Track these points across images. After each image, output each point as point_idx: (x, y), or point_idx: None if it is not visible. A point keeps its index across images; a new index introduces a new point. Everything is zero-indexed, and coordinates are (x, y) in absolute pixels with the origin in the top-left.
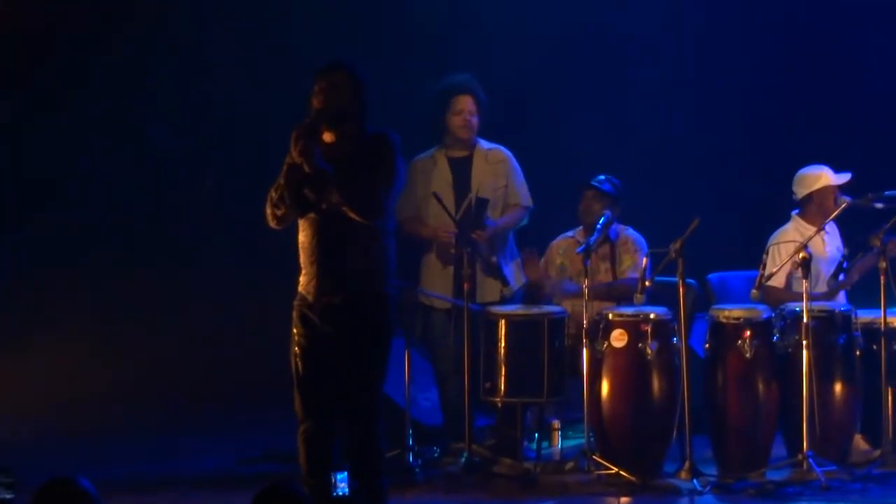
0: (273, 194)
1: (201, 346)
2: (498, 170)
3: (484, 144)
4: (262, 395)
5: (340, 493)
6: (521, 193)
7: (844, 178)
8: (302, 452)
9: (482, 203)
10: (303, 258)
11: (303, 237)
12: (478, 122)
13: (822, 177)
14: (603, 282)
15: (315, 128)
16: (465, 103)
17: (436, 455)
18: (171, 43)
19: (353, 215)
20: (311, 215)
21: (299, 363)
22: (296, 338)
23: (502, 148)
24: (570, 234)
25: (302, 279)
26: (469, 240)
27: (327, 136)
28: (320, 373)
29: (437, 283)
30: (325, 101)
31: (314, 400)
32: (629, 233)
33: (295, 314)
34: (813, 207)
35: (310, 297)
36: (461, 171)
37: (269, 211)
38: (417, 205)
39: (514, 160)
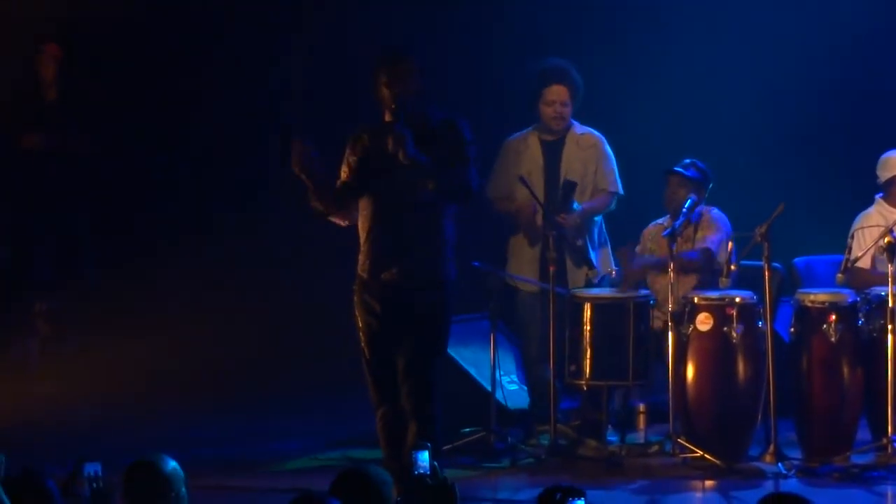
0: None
1: (290, 326)
2: (588, 154)
3: (577, 128)
4: (351, 375)
5: (422, 472)
6: (610, 179)
7: None
8: (382, 436)
9: (570, 186)
10: (360, 235)
11: (361, 217)
12: (571, 109)
13: (890, 166)
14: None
15: (397, 117)
16: (558, 94)
17: (520, 437)
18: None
19: (447, 199)
20: (373, 199)
21: (366, 350)
22: (359, 324)
23: (595, 132)
24: (660, 220)
25: (359, 258)
26: (555, 223)
27: None
28: (387, 357)
29: (524, 266)
30: (396, 93)
31: (385, 384)
32: (712, 212)
33: (356, 299)
34: (887, 191)
35: (365, 276)
36: (552, 154)
37: (321, 206)
38: (509, 184)
39: (605, 145)
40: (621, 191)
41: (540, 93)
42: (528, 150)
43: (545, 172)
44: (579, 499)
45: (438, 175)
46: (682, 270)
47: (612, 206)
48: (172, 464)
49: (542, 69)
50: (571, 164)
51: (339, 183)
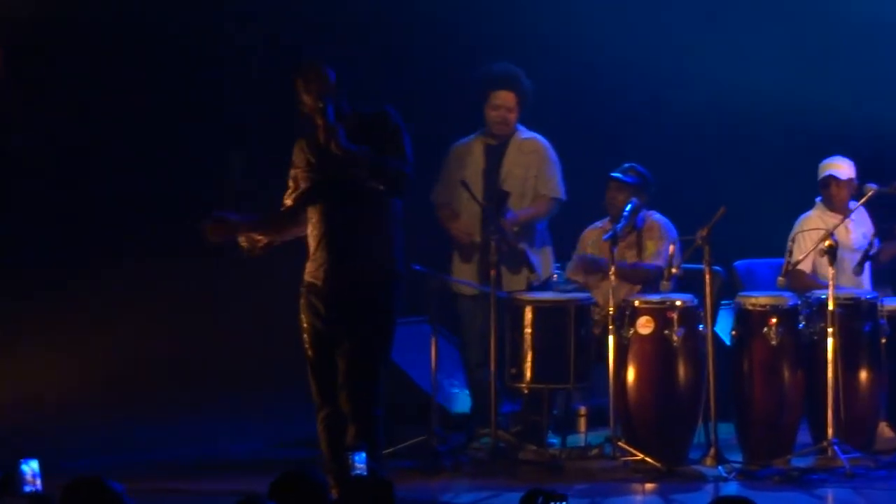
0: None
1: (232, 329)
2: (530, 160)
3: (522, 133)
4: (295, 378)
5: (358, 474)
6: (551, 185)
7: (845, 170)
8: (323, 438)
9: (501, 195)
10: (310, 244)
11: (310, 225)
12: (516, 116)
13: (825, 166)
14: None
15: (325, 114)
16: (503, 99)
17: (462, 441)
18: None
19: (382, 188)
20: (320, 202)
21: (310, 351)
22: (304, 325)
23: (539, 137)
24: (599, 223)
25: (308, 266)
26: (497, 227)
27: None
28: (331, 359)
29: (465, 270)
30: (315, 93)
31: (329, 386)
32: (655, 218)
33: (302, 301)
34: (822, 195)
35: (318, 283)
36: (494, 158)
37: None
38: (450, 191)
39: (549, 151)
40: (563, 196)
41: (486, 97)
42: (471, 155)
43: (485, 176)
44: (561, 502)
45: (372, 162)
46: (634, 280)
47: (555, 211)
48: (113, 483)
49: (490, 74)
50: (512, 169)
51: (286, 204)
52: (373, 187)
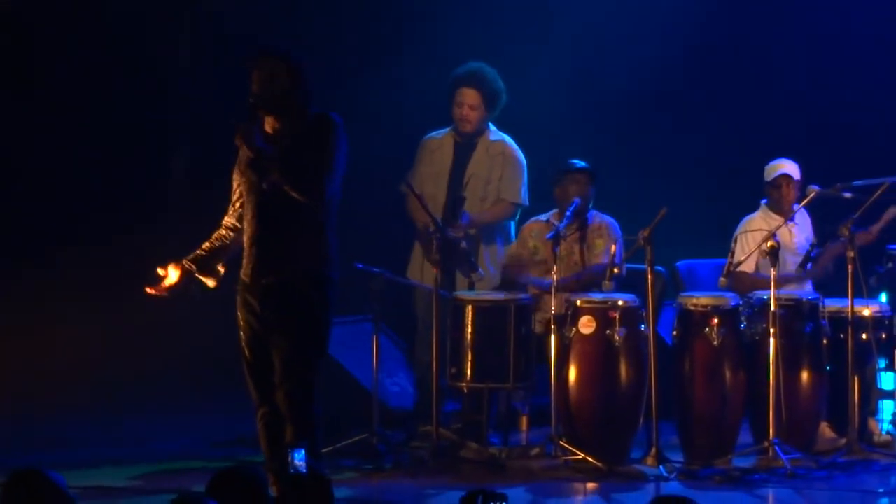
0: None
1: (177, 327)
2: (495, 161)
3: (492, 134)
4: (236, 375)
5: (298, 471)
6: (513, 190)
7: (795, 171)
8: (263, 437)
9: (458, 200)
10: (245, 242)
11: (245, 222)
12: (481, 115)
13: (776, 167)
14: (573, 271)
15: (252, 113)
16: (467, 97)
17: (403, 439)
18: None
19: (294, 194)
20: (252, 200)
21: (246, 350)
22: (240, 323)
23: (507, 140)
24: (543, 217)
25: (243, 263)
26: (439, 226)
27: (267, 123)
28: (267, 357)
29: (424, 268)
30: (259, 88)
31: (266, 384)
32: (605, 218)
33: (238, 299)
34: (770, 196)
35: (248, 280)
36: (462, 156)
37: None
38: (420, 182)
39: (516, 154)
40: (525, 202)
41: (452, 94)
42: (440, 150)
43: (451, 173)
44: (501, 502)
45: (283, 166)
46: (578, 287)
47: (516, 216)
48: (55, 475)
49: (457, 72)
50: (476, 169)
51: (230, 216)
52: (286, 190)
